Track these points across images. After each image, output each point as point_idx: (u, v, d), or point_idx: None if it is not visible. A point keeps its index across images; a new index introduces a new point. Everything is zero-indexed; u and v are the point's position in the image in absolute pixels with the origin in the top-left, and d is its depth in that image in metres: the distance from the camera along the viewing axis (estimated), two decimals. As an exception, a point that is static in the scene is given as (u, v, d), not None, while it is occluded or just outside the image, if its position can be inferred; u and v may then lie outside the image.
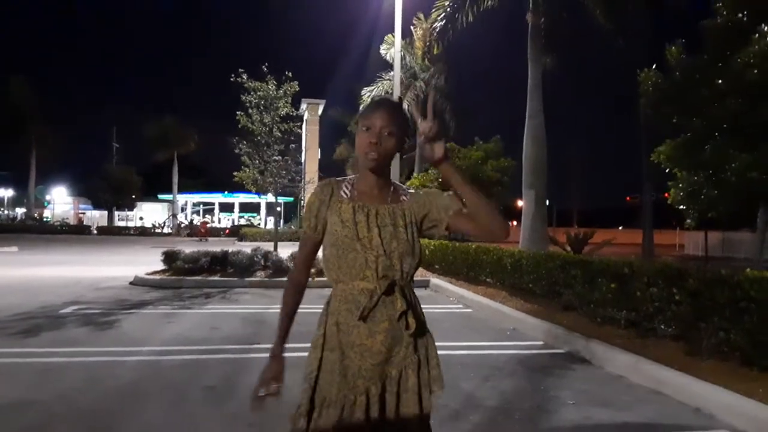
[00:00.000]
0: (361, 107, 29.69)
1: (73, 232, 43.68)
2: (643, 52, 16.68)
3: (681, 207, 10.71)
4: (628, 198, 41.89)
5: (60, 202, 60.27)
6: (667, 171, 10.77)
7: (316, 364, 1.75)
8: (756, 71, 8.68)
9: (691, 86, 9.81)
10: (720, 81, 9.30)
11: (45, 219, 54.77)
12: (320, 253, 1.84)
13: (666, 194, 11.30)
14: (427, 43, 24.36)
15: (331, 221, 1.75)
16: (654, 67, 10.78)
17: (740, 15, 9.51)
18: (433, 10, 16.65)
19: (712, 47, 9.87)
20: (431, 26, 17.40)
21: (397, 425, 1.68)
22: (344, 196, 1.78)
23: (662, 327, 5.63)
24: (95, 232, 45.10)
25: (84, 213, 58.31)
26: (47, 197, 59.85)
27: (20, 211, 59.14)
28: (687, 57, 10.20)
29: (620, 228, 56.08)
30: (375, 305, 1.66)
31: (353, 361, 1.68)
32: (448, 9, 16.03)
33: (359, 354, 1.68)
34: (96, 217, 54.88)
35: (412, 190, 1.89)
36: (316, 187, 1.86)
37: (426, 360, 1.80)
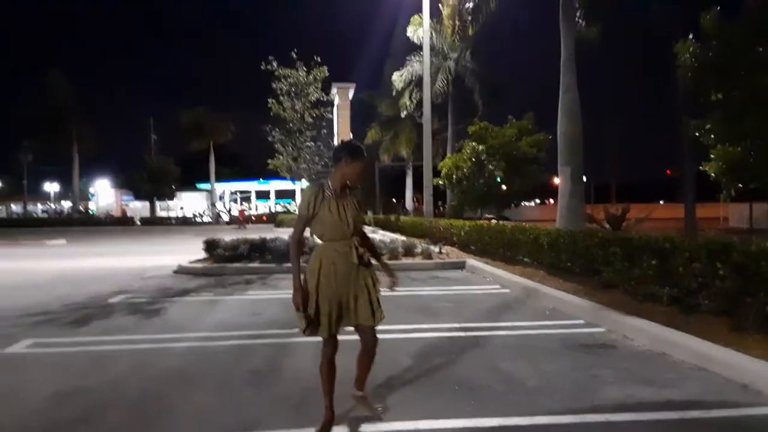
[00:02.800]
0: (393, 92, 29.64)
1: (118, 224, 45.05)
2: (679, 18, 16.11)
3: (723, 179, 10.39)
4: (668, 171, 40.80)
5: (103, 194, 62.01)
6: (708, 143, 10.44)
7: (315, 283, 3.33)
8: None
9: (730, 55, 9.45)
10: (761, 48, 8.93)
11: (90, 212, 56.50)
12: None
13: (708, 166, 10.97)
14: (456, 22, 23.97)
15: (323, 210, 3.28)
16: (691, 36, 10.40)
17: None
18: None
19: (750, 13, 9.47)
20: (460, 3, 17.06)
21: (366, 304, 3.35)
22: (328, 194, 3.31)
23: (706, 303, 5.52)
24: (138, 223, 46.37)
25: (127, 204, 59.92)
26: (91, 190, 61.63)
27: (66, 204, 61.10)
28: (723, 25, 9.80)
29: (661, 202, 54.62)
30: (350, 249, 3.31)
31: (340, 280, 3.30)
32: None
33: (342, 275, 3.30)
34: (138, 208, 56.34)
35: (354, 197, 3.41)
36: (311, 188, 3.41)
37: (372, 273, 3.44)
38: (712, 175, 10.56)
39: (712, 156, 10.42)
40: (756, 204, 26.19)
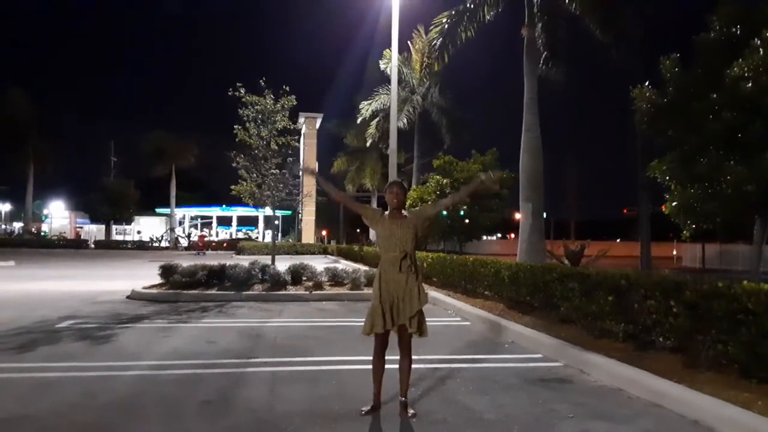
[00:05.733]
0: (359, 121, 29.96)
1: (71, 247, 43.58)
2: (638, 64, 16.83)
3: (677, 220, 10.71)
4: (625, 210, 42.02)
5: (57, 216, 60.19)
6: (664, 184, 10.79)
7: (378, 289, 4.10)
8: (750, 84, 8.72)
9: (685, 100, 9.85)
10: (714, 95, 9.34)
11: (42, 233, 54.64)
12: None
13: (663, 206, 11.31)
14: (425, 59, 24.49)
15: (381, 228, 4.23)
16: (647, 82, 10.82)
17: (734, 29, 9.58)
18: (431, 27, 16.74)
19: (705, 61, 9.93)
20: (430, 43, 17.46)
21: (411, 309, 4.03)
22: (385, 216, 4.26)
23: (660, 339, 5.62)
24: (93, 246, 45.01)
25: (81, 227, 58.20)
26: (45, 211, 59.74)
27: (18, 225, 58.99)
28: (680, 71, 10.24)
29: (618, 240, 56.05)
30: (400, 261, 4.07)
31: (392, 286, 4.07)
32: (446, 26, 16.10)
33: (394, 282, 4.07)
34: (93, 231, 54.78)
35: (409, 211, 4.34)
36: (378, 209, 4.47)
37: (421, 285, 4.15)
38: (667, 214, 10.87)
39: (666, 197, 10.76)
40: (708, 244, 27.11)
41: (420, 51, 27.39)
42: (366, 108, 29.01)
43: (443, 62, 17.18)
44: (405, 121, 27.66)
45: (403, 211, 4.30)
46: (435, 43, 16.76)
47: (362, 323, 4.23)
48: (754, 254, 11.06)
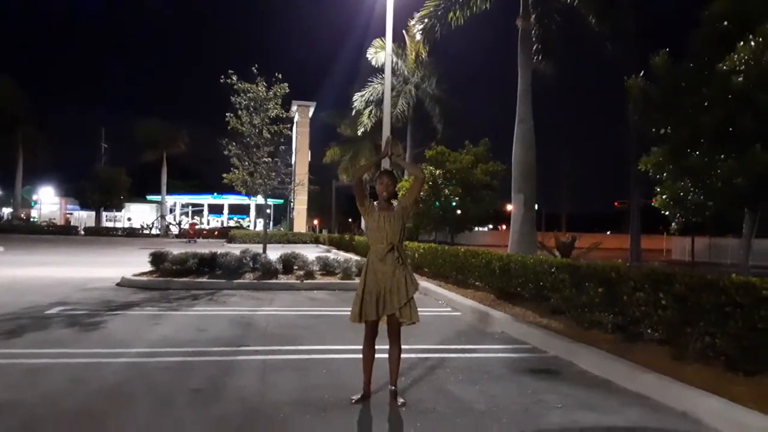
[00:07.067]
0: (353, 112, 29.90)
1: (60, 233, 43.36)
2: (633, 57, 16.84)
3: (667, 212, 10.77)
4: (616, 203, 42.18)
5: (47, 202, 59.72)
6: (655, 177, 10.83)
7: (364, 279, 4.15)
8: (741, 78, 8.75)
9: (677, 94, 9.87)
10: (706, 89, 9.36)
11: (32, 219, 54.25)
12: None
13: (653, 199, 11.36)
14: (418, 48, 24.38)
15: (370, 219, 4.19)
16: (642, 74, 10.83)
17: (726, 24, 9.59)
18: (422, 9, 16.55)
19: (697, 56, 9.95)
20: (420, 21, 17.25)
21: (399, 300, 4.04)
22: (375, 208, 4.21)
23: (649, 331, 5.66)
24: (82, 232, 44.76)
25: (71, 213, 57.82)
26: (34, 197, 59.26)
27: (6, 211, 58.49)
28: (673, 65, 10.26)
29: (608, 232, 56.34)
30: (387, 253, 4.09)
31: (379, 276, 4.09)
32: (437, 9, 15.95)
33: (381, 273, 4.09)
34: (83, 217, 54.45)
35: (397, 201, 4.32)
36: (371, 201, 4.30)
37: (409, 274, 4.14)
38: (657, 207, 10.92)
39: (657, 189, 10.80)
40: (698, 238, 27.31)
41: (413, 39, 27.24)
42: (359, 100, 28.91)
43: (432, 45, 17.06)
44: (399, 109, 27.59)
45: (393, 202, 4.28)
46: (425, 24, 16.53)
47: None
48: (743, 247, 11.15)
